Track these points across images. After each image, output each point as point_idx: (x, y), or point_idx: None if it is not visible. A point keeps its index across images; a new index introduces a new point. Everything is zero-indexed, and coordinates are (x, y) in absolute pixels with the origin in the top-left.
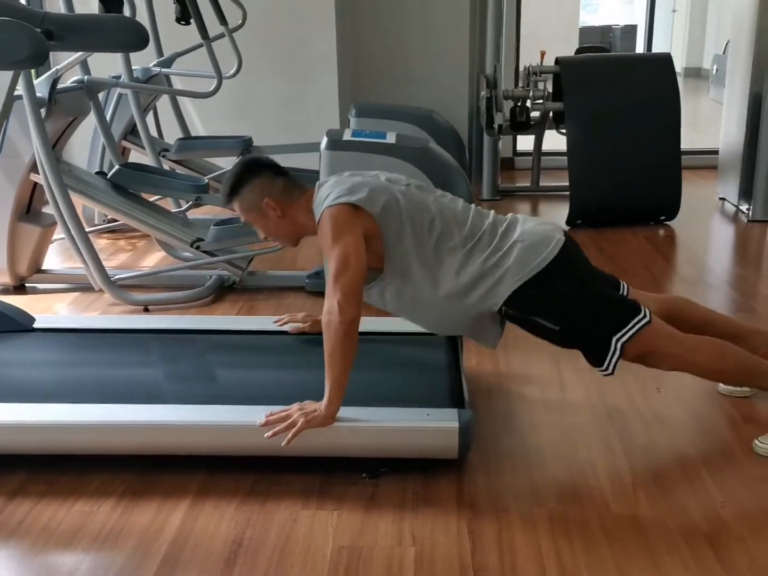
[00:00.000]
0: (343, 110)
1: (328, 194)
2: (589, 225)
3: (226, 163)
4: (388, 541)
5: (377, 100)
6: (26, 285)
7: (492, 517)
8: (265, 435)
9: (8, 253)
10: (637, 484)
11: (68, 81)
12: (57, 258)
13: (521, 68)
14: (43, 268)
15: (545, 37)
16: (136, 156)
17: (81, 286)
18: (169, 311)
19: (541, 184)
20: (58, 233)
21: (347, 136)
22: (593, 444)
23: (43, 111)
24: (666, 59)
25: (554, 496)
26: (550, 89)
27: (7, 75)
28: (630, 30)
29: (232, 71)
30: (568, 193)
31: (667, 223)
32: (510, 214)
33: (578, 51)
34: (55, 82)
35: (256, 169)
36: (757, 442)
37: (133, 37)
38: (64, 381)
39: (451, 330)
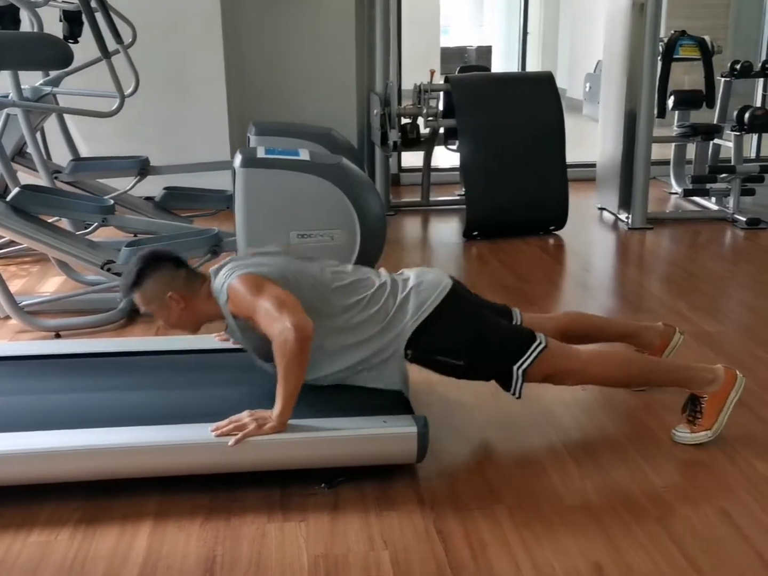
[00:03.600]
0: (232, 129)
1: (228, 274)
2: (485, 237)
3: (121, 183)
4: (361, 546)
5: (264, 119)
6: None
7: (456, 517)
8: (213, 434)
9: None
10: (583, 475)
11: None
12: None
13: (412, 86)
14: None
15: (410, 58)
16: (23, 178)
17: None
18: (83, 335)
19: (430, 198)
20: None
21: (261, 153)
22: (534, 442)
23: None
24: (548, 77)
25: (510, 493)
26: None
27: None
28: (485, 51)
29: (130, 90)
30: (456, 207)
31: (555, 232)
32: (402, 270)
33: (461, 70)
34: None
35: (157, 262)
36: (674, 431)
37: (57, 55)
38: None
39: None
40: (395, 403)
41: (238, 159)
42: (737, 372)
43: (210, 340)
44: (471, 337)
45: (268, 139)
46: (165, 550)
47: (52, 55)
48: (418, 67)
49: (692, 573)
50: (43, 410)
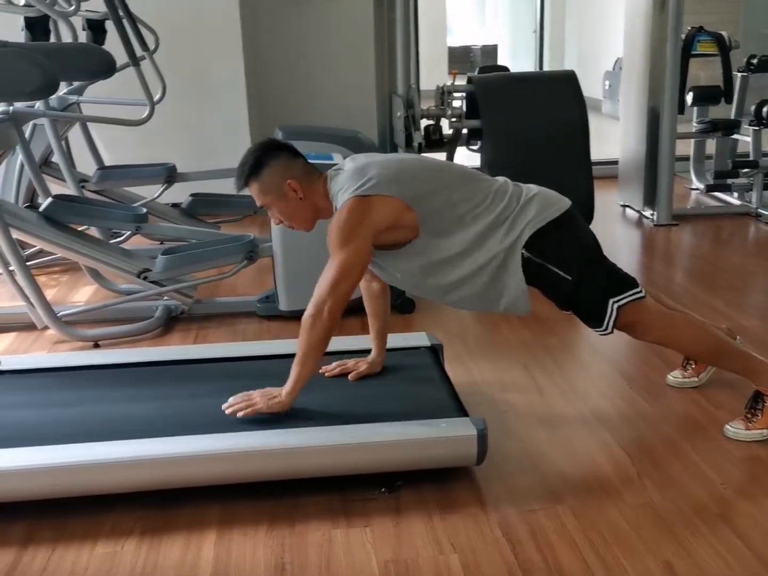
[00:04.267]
0: (254, 134)
1: (344, 186)
2: None
3: (148, 191)
4: (429, 550)
5: (286, 123)
6: None
7: (519, 518)
8: (226, 411)
9: None
10: (641, 473)
11: None
12: None
13: (427, 87)
14: None
15: (420, 59)
16: (50, 188)
17: (14, 325)
18: (121, 345)
19: None
20: None
21: None
22: (587, 441)
23: None
24: (571, 76)
25: (570, 492)
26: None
27: None
28: (491, 50)
29: (157, 97)
30: None
31: None
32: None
33: (481, 70)
34: None
35: (275, 150)
36: (728, 426)
37: (101, 65)
38: (53, 422)
39: (482, 298)
40: (448, 405)
41: None
42: None
43: (250, 346)
44: (586, 255)
45: (295, 144)
46: (233, 558)
47: (98, 64)
48: (429, 68)
49: (763, 570)
50: (91, 421)
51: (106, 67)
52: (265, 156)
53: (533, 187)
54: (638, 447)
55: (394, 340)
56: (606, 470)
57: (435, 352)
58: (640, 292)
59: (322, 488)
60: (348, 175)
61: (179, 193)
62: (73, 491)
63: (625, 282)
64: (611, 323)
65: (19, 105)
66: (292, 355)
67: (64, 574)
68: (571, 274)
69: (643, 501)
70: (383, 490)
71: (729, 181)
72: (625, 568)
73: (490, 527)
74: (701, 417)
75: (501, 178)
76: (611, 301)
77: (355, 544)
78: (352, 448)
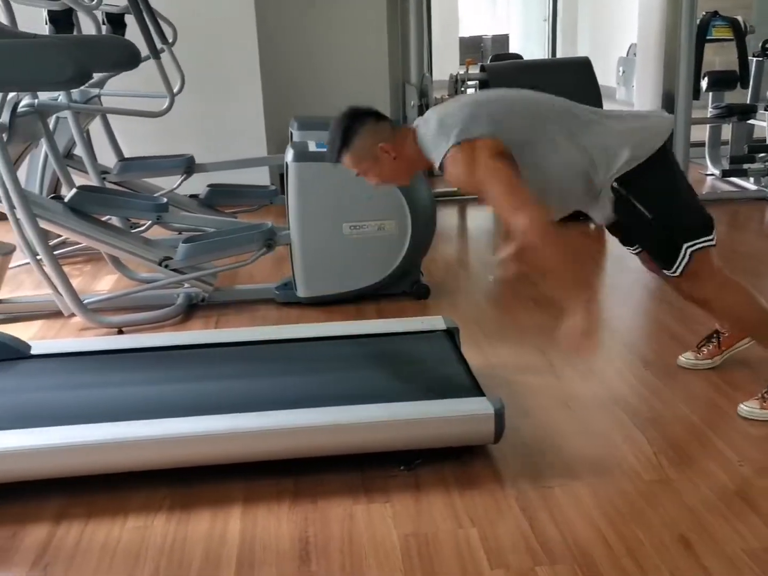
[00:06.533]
0: (269, 125)
1: (443, 133)
2: None
3: (167, 182)
4: (449, 524)
5: (301, 114)
6: None
7: (537, 495)
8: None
9: None
10: (657, 452)
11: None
12: None
13: (439, 76)
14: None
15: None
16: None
17: (41, 313)
18: (144, 331)
19: None
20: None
21: (313, 147)
22: (604, 421)
23: (3, 136)
24: (585, 62)
25: (587, 470)
26: None
27: None
28: (501, 39)
29: (176, 88)
30: None
31: None
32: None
33: (494, 58)
34: (15, 106)
35: (361, 117)
36: (742, 406)
37: (127, 56)
38: (83, 403)
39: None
40: (466, 385)
41: (290, 154)
42: None
43: (274, 330)
44: (670, 197)
45: (311, 134)
46: (259, 531)
47: (123, 56)
48: (441, 58)
49: None
50: (119, 402)
51: (132, 59)
52: (353, 125)
53: (630, 117)
54: (654, 427)
55: (411, 323)
56: (623, 449)
57: (451, 335)
58: (713, 239)
59: (342, 466)
60: (438, 122)
61: (196, 185)
62: (103, 469)
63: (704, 226)
64: (681, 267)
65: (43, 98)
66: (314, 339)
67: (97, 546)
68: (652, 213)
69: (659, 478)
70: (402, 468)
71: (745, 166)
72: (642, 541)
73: (507, 503)
74: (717, 397)
75: (592, 110)
76: (685, 245)
77: (376, 518)
78: (372, 426)
